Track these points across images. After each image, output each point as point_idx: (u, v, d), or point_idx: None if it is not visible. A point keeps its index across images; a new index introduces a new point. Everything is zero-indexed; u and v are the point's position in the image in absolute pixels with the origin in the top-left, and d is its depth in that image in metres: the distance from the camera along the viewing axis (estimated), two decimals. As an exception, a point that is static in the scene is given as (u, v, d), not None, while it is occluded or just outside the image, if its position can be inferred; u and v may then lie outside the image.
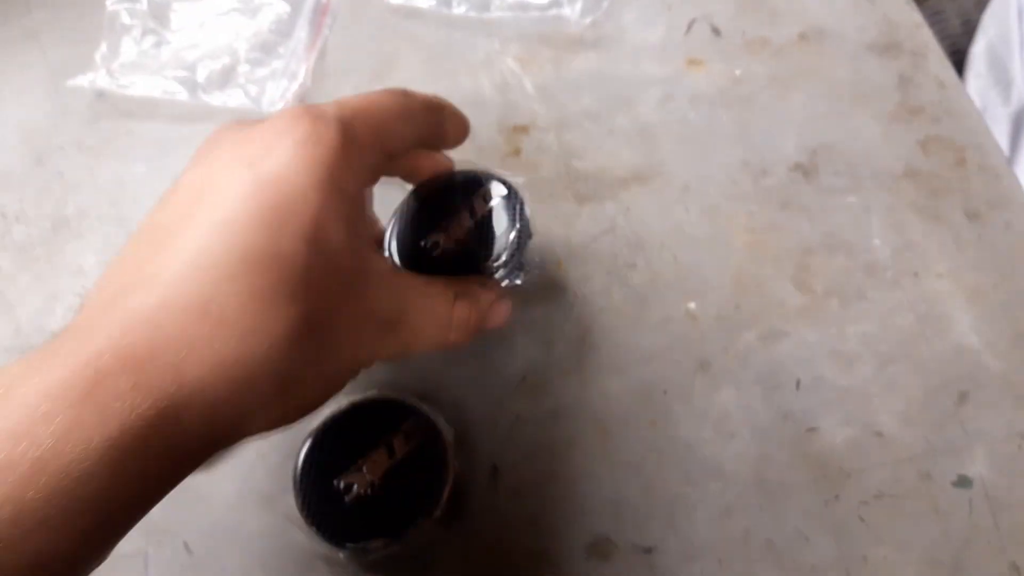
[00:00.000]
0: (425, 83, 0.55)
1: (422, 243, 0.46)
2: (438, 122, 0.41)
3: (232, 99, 0.57)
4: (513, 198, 0.46)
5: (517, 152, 0.54)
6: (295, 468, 0.43)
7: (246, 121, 0.34)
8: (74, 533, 0.25)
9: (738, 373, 0.46)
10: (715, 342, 0.47)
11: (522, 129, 0.54)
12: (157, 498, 0.29)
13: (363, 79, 0.58)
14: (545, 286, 0.49)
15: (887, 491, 0.43)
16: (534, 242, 0.45)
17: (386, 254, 0.46)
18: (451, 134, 0.42)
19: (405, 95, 0.38)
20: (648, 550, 0.42)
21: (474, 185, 0.47)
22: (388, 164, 0.38)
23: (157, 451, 0.27)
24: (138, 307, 0.28)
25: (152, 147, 0.57)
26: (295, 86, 0.57)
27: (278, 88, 0.57)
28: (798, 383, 0.45)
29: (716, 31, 0.57)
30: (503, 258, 0.45)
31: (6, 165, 0.58)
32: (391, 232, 0.47)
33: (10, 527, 0.23)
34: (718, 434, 0.44)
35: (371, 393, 0.44)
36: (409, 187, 0.45)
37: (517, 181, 0.46)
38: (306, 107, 0.33)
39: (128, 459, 0.26)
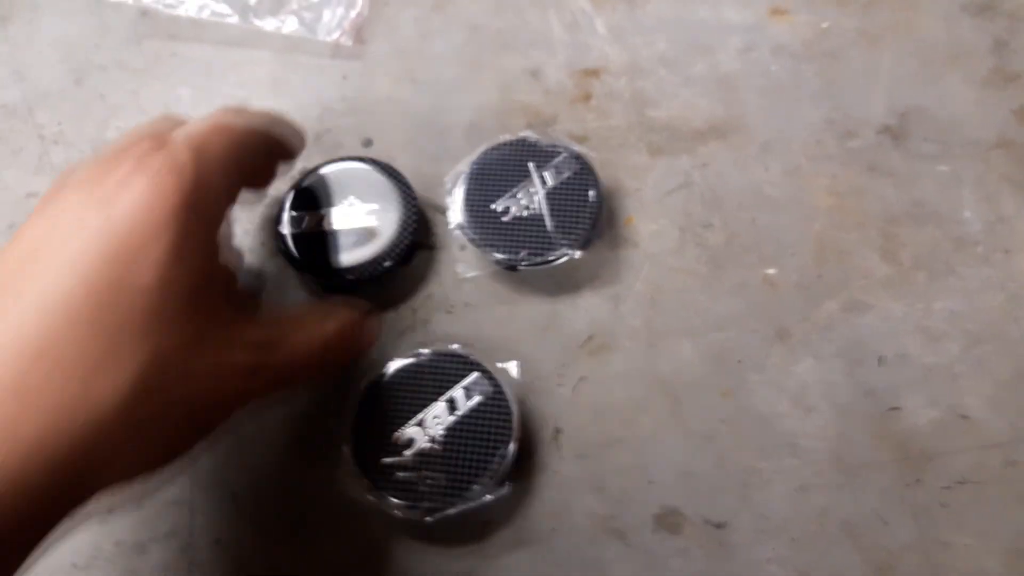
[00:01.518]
0: (490, 16, 0.53)
1: (492, 206, 0.44)
2: (283, 136, 0.40)
3: (286, 25, 0.53)
4: (586, 170, 0.45)
5: (587, 97, 0.51)
6: (351, 419, 0.41)
7: (90, 162, 0.31)
8: None
9: (818, 345, 0.43)
10: (795, 311, 0.44)
11: (592, 73, 0.51)
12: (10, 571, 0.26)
13: (423, 9, 0.55)
14: (613, 241, 0.47)
15: (971, 477, 0.41)
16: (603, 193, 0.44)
17: (451, 213, 0.44)
18: (296, 147, 0.41)
19: (243, 112, 0.36)
20: (719, 525, 0.40)
21: (545, 155, 0.45)
22: (243, 183, 0.36)
23: None
24: None
25: (199, 71, 0.54)
26: (352, 14, 0.54)
27: (334, 16, 0.53)
28: (881, 359, 0.43)
29: (803, -20, 0.53)
30: (579, 230, 0.43)
31: (44, 83, 0.55)
32: (458, 192, 0.45)
33: None
34: (796, 408, 0.42)
35: (431, 347, 0.42)
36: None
37: (584, 151, 0.45)
38: (152, 136, 0.31)
39: None
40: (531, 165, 0.46)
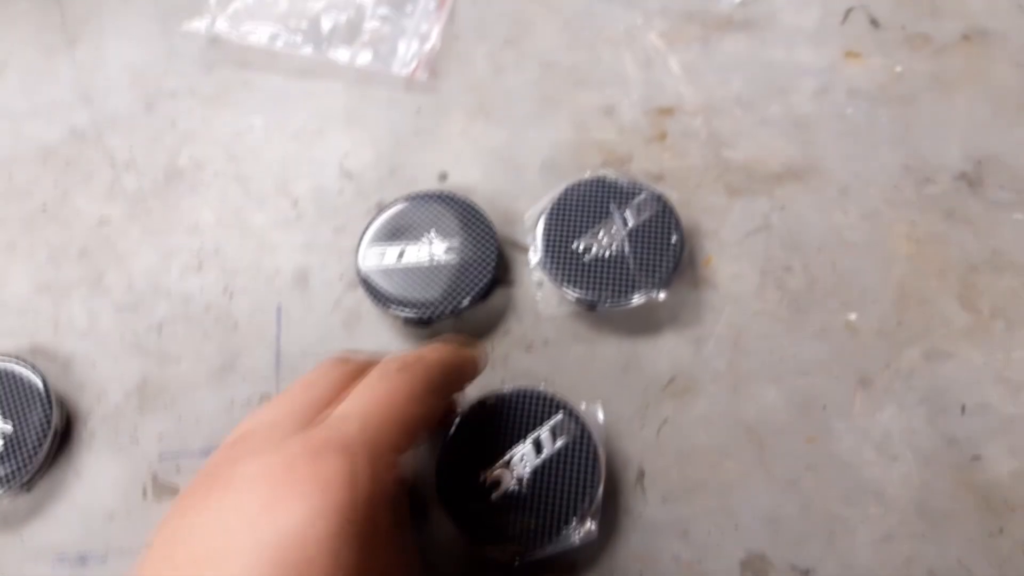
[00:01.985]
0: (563, 52, 0.53)
1: (574, 245, 0.45)
2: (457, 380, 0.38)
3: (360, 57, 0.54)
4: (667, 210, 0.45)
5: (663, 137, 0.51)
6: (437, 457, 0.41)
7: (257, 439, 0.30)
8: None
9: (901, 393, 0.44)
10: (876, 358, 0.44)
11: (667, 111, 0.52)
12: None
13: (496, 44, 0.55)
14: (693, 282, 0.47)
15: (1055, 528, 0.41)
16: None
17: (531, 251, 0.45)
18: (469, 378, 0.39)
19: (425, 373, 0.34)
20: (806, 572, 0.40)
21: (625, 194, 0.46)
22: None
23: None
24: None
25: (271, 101, 0.54)
26: (426, 47, 0.54)
27: (408, 49, 0.54)
28: (963, 408, 0.43)
29: (875, 22, 0.54)
30: (661, 271, 0.44)
31: (114, 108, 0.55)
32: (539, 230, 0.45)
33: None
34: (880, 455, 0.42)
35: (515, 385, 0.42)
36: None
37: (664, 191, 0.45)
38: (328, 436, 0.29)
39: None
40: (612, 205, 0.46)
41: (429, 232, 0.46)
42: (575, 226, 0.46)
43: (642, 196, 0.46)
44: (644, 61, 0.53)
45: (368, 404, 0.31)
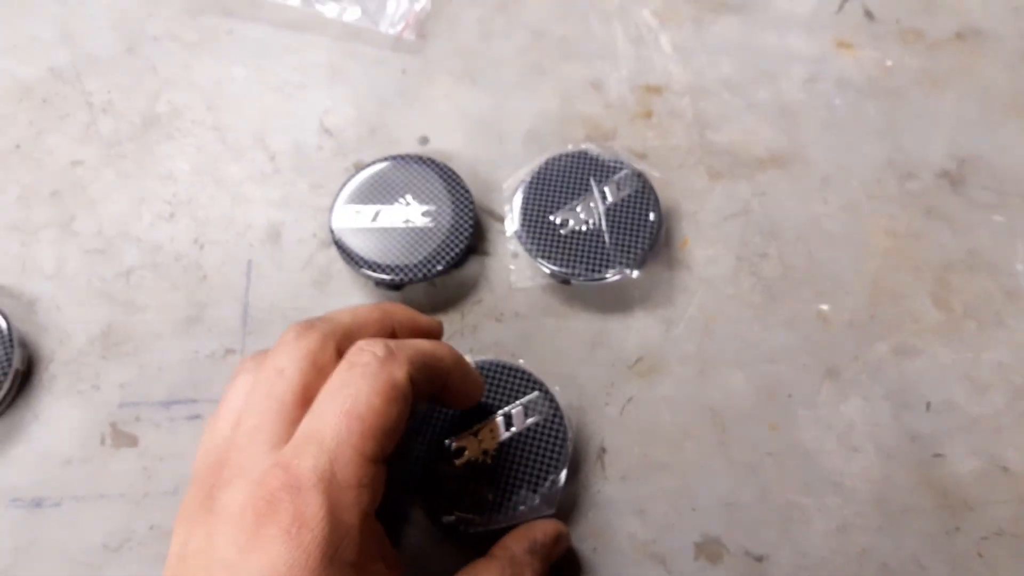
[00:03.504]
0: (554, 23, 0.52)
1: (551, 217, 0.44)
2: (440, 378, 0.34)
3: (348, 13, 0.53)
4: (647, 189, 0.45)
5: (648, 114, 0.50)
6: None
7: (243, 458, 0.30)
8: None
9: (868, 386, 0.44)
10: (846, 349, 0.44)
11: (655, 90, 0.51)
12: None
13: (487, 9, 0.54)
14: (668, 263, 0.46)
15: (1009, 529, 0.41)
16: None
17: (508, 221, 0.44)
18: (461, 392, 0.36)
19: (409, 368, 0.31)
20: (760, 558, 0.41)
21: (606, 170, 0.45)
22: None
23: None
24: None
25: (254, 51, 0.53)
26: (416, 7, 0.53)
27: (398, 8, 0.53)
28: (928, 405, 0.43)
29: (869, 14, 0.53)
30: (637, 250, 0.44)
31: (96, 49, 0.54)
32: (517, 200, 0.45)
33: None
34: (841, 446, 0.42)
35: (495, 358, 0.42)
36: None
37: (645, 169, 0.44)
38: (303, 469, 0.28)
39: None
40: (592, 180, 0.46)
41: (406, 195, 0.46)
42: (554, 199, 0.46)
43: (623, 173, 0.46)
44: (635, 37, 0.53)
45: (341, 420, 0.29)
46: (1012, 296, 0.46)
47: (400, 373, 0.30)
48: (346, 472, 0.28)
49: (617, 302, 0.46)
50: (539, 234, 0.45)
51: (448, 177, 0.46)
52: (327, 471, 0.28)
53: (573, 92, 0.51)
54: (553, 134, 0.50)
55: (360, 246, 0.44)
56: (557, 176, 0.46)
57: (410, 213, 0.45)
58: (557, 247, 0.44)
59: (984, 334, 0.45)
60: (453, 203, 0.45)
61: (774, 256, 0.46)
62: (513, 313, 0.46)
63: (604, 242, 0.44)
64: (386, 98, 0.51)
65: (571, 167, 0.46)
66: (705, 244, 0.47)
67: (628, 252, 0.44)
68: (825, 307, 0.45)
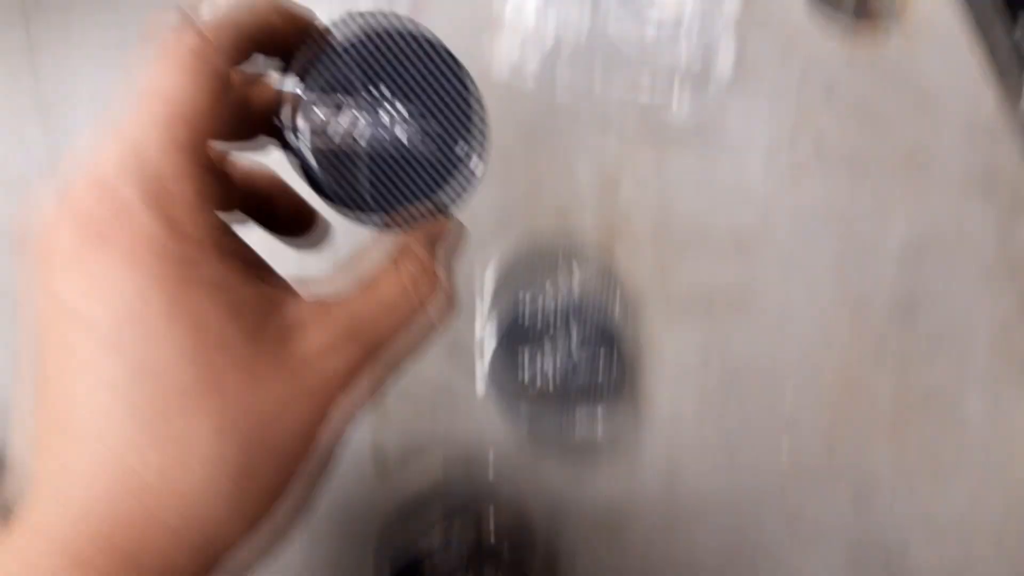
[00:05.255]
0: (518, 155, 0.52)
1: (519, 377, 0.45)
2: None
3: None
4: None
5: (610, 252, 0.51)
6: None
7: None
8: None
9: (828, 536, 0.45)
10: (808, 497, 0.45)
11: (616, 230, 0.52)
12: None
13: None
14: (634, 399, 0.47)
15: None
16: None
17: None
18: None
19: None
20: None
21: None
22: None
23: None
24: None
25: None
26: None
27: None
28: (889, 554, 0.44)
29: (820, 146, 0.55)
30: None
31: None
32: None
33: None
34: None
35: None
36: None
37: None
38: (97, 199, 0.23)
39: None
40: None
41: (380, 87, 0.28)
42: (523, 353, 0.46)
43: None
44: (600, 175, 0.53)
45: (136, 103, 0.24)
46: (963, 440, 0.47)
47: (199, 39, 0.24)
48: (160, 165, 0.23)
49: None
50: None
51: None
52: (134, 166, 0.23)
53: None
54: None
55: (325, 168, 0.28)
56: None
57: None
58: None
59: (938, 479, 0.46)
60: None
61: (734, 398, 0.47)
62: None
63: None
64: None
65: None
66: (667, 387, 0.48)
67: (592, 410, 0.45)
68: (785, 449, 0.46)
